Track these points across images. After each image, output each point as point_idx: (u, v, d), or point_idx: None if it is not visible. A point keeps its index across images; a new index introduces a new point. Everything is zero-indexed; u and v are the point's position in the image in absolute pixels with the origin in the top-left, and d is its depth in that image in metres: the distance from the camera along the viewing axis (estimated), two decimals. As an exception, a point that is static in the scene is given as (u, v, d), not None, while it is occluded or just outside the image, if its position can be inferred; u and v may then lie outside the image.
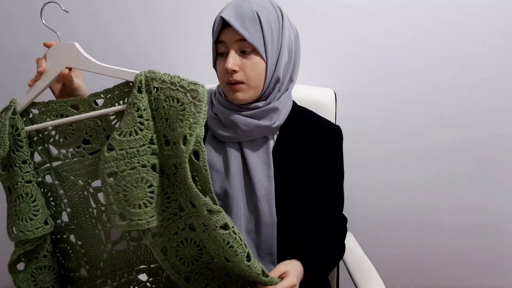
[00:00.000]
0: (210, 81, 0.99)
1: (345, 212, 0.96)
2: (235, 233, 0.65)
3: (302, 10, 1.20)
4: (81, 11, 1.22)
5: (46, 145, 0.75)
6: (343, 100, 1.21)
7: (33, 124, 0.72)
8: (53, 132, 0.74)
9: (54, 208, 0.77)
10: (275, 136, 0.89)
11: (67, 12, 0.73)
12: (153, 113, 0.65)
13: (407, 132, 1.30)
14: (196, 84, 0.62)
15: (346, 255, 1.02)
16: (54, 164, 0.75)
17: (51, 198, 0.76)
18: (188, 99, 0.62)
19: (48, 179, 0.76)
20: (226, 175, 0.85)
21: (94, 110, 0.70)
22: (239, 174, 0.85)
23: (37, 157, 0.74)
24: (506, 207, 1.36)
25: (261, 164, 0.85)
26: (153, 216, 0.65)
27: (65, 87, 0.77)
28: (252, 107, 0.84)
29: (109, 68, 0.68)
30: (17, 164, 0.69)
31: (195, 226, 0.71)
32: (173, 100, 0.63)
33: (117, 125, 0.71)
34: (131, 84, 0.67)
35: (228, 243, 0.65)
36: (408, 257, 1.43)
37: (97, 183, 0.74)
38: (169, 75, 0.64)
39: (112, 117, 0.70)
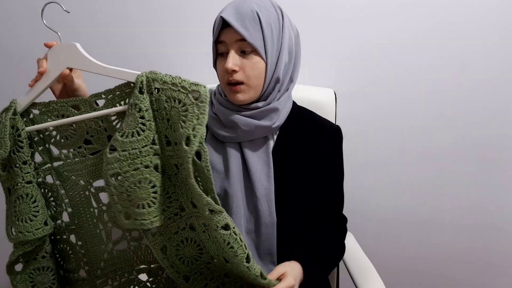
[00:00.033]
0: (210, 81, 0.99)
1: (345, 212, 0.96)
2: (235, 234, 0.65)
3: (303, 10, 1.20)
4: (81, 11, 1.22)
5: (47, 146, 0.75)
6: (343, 100, 1.21)
7: (33, 124, 0.72)
8: (54, 133, 0.74)
9: (54, 208, 0.77)
10: (275, 136, 0.89)
11: (68, 12, 0.73)
12: (155, 113, 0.65)
13: (407, 132, 1.30)
14: (197, 85, 0.62)
15: (346, 255, 1.02)
16: (55, 164, 0.75)
17: (52, 199, 0.76)
18: (190, 100, 0.62)
19: (49, 179, 0.76)
20: (226, 175, 0.85)
21: (95, 110, 0.70)
22: (239, 174, 0.85)
23: (38, 158, 0.74)
24: (507, 207, 1.36)
25: (261, 164, 0.85)
26: (156, 216, 0.66)
27: (65, 87, 0.77)
28: (252, 107, 0.84)
29: (110, 69, 0.68)
30: (17, 165, 0.69)
31: (195, 226, 0.71)
32: (174, 101, 0.63)
33: (118, 126, 0.71)
34: (132, 84, 0.67)
35: (228, 243, 0.65)
36: (408, 257, 1.43)
37: (98, 183, 0.75)
38: (170, 76, 0.64)
39: (113, 118, 0.70)
